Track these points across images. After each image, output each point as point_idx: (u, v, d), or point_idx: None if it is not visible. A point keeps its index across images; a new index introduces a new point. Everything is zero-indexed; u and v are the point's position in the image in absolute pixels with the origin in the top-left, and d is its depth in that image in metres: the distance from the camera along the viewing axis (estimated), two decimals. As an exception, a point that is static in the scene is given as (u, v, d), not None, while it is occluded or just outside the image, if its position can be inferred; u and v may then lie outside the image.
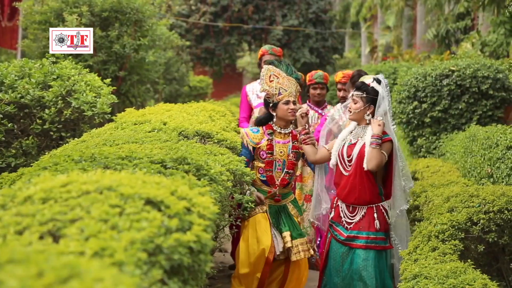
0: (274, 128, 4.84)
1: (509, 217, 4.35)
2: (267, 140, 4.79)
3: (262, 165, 4.78)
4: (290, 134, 4.88)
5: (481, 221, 4.33)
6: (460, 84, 7.91)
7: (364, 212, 4.51)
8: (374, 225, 4.47)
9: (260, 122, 4.91)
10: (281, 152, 4.80)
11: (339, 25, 24.02)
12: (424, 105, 8.06)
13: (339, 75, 6.50)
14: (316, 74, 6.68)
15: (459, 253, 4.10)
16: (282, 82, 4.77)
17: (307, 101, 6.80)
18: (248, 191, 4.58)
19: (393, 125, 4.62)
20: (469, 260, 3.91)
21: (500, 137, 5.81)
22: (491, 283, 3.49)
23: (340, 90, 6.41)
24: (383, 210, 4.53)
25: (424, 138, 8.23)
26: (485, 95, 7.86)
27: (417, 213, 5.39)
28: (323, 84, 6.67)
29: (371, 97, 4.54)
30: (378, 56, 20.49)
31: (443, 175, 6.18)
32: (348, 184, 4.58)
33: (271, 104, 4.80)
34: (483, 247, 4.31)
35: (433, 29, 15.02)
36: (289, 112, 4.76)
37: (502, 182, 5.41)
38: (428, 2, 14.29)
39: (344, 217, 4.58)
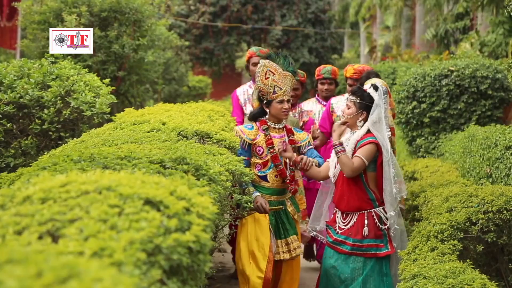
0: (269, 123, 4.82)
1: (508, 217, 4.35)
2: (265, 135, 4.77)
3: (260, 161, 4.76)
4: (284, 129, 4.87)
5: (480, 221, 4.33)
6: (459, 84, 7.92)
7: (356, 219, 4.47)
8: (362, 232, 4.42)
9: (254, 117, 4.89)
10: (277, 146, 4.77)
11: (338, 25, 24.02)
12: (423, 105, 8.07)
13: (349, 71, 6.29)
14: (324, 69, 6.54)
15: (458, 253, 4.10)
16: (278, 80, 4.72)
17: (316, 95, 6.70)
18: (252, 195, 4.59)
19: (388, 131, 4.52)
20: (468, 260, 3.91)
21: (499, 137, 5.82)
22: (490, 283, 3.49)
23: (351, 86, 6.17)
24: (374, 217, 4.44)
25: (423, 138, 8.24)
26: (484, 95, 7.87)
27: (416, 213, 5.40)
28: (331, 79, 6.53)
29: (365, 104, 4.49)
30: (377, 56, 20.49)
31: (442, 175, 6.18)
32: (338, 191, 4.58)
33: (264, 101, 4.78)
34: (482, 247, 4.31)
35: (432, 29, 15.03)
36: (282, 112, 4.75)
37: (501, 182, 5.42)
38: (427, 2, 14.30)
39: (338, 222, 4.56)
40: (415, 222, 5.12)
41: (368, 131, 4.48)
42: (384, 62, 14.06)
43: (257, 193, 4.65)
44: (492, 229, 4.34)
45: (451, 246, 4.13)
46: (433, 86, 8.03)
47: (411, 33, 19.20)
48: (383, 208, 4.48)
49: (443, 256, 4.00)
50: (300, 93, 6.11)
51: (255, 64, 6.03)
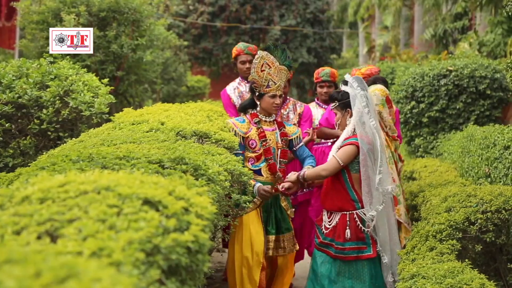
0: (260, 116, 4.79)
1: (506, 216, 4.35)
2: (257, 128, 4.74)
3: (253, 155, 4.71)
4: (275, 122, 4.85)
5: (479, 221, 4.33)
6: (457, 84, 7.93)
7: (338, 219, 4.46)
8: (344, 235, 4.40)
9: (244, 108, 4.87)
10: (269, 139, 4.75)
11: (336, 25, 24.06)
12: (422, 105, 8.07)
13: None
14: (323, 72, 6.25)
15: (456, 253, 4.11)
16: (273, 74, 4.68)
17: (316, 99, 6.41)
18: (254, 187, 4.57)
19: (372, 122, 4.44)
20: (466, 260, 3.91)
21: (498, 137, 5.82)
22: (489, 283, 3.50)
23: None
24: (356, 219, 4.41)
25: (422, 138, 8.24)
26: (483, 95, 7.88)
27: (415, 213, 5.40)
28: (330, 82, 6.22)
29: (344, 102, 4.52)
30: (375, 56, 20.51)
31: (441, 175, 6.18)
32: (324, 189, 4.60)
33: (257, 93, 4.74)
34: (481, 247, 4.31)
35: (431, 29, 15.03)
36: (274, 107, 4.72)
37: (500, 182, 5.42)
38: (425, 2, 14.30)
39: (324, 221, 4.57)
40: (413, 222, 5.13)
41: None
42: (382, 62, 14.06)
43: (257, 184, 4.62)
44: (491, 229, 4.34)
45: (449, 246, 4.13)
46: (432, 86, 8.03)
47: (410, 33, 19.21)
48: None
49: (442, 256, 4.00)
50: (287, 90, 5.79)
51: (244, 62, 5.94)
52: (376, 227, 4.45)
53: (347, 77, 4.55)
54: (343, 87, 4.53)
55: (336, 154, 4.40)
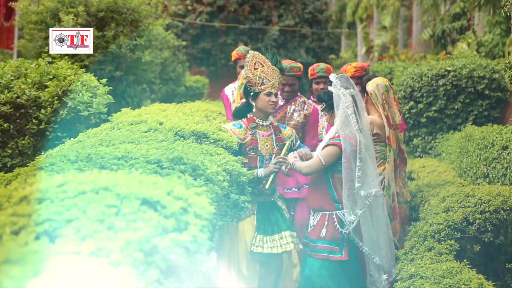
0: (256, 121, 4.67)
1: (504, 217, 4.36)
2: (251, 134, 4.63)
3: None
4: (271, 126, 4.75)
5: (477, 221, 4.34)
6: (456, 84, 7.93)
7: (319, 219, 4.46)
8: (319, 233, 4.40)
9: (239, 113, 4.76)
10: (266, 145, 4.66)
11: (335, 25, 24.04)
12: (420, 105, 8.08)
13: (350, 70, 5.82)
14: (318, 68, 6.04)
15: (455, 253, 4.11)
16: (267, 72, 4.61)
17: (311, 97, 6.18)
18: (258, 173, 4.54)
19: (355, 125, 4.38)
20: (465, 260, 3.92)
21: (496, 137, 5.82)
22: (487, 283, 3.50)
23: (356, 84, 5.36)
24: (335, 219, 4.40)
25: (420, 138, 8.25)
26: (481, 95, 7.88)
27: (413, 213, 5.40)
28: (327, 78, 5.80)
29: (330, 103, 4.52)
30: (374, 56, 20.50)
31: (439, 175, 6.19)
32: (309, 186, 4.61)
33: (251, 93, 4.65)
34: (479, 247, 4.32)
35: (429, 29, 15.02)
36: (270, 105, 4.61)
37: (498, 182, 5.42)
38: (424, 2, 14.31)
39: (310, 219, 4.58)
40: (412, 222, 5.13)
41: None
42: (381, 62, 14.05)
43: (259, 169, 4.58)
44: (489, 229, 4.35)
45: (448, 246, 4.14)
46: (430, 86, 8.04)
47: (408, 33, 19.20)
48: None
49: (440, 256, 4.01)
50: (297, 88, 5.66)
51: (243, 67, 5.90)
52: (361, 230, 4.42)
53: (331, 77, 4.52)
54: (329, 88, 4.53)
55: (320, 154, 4.39)
